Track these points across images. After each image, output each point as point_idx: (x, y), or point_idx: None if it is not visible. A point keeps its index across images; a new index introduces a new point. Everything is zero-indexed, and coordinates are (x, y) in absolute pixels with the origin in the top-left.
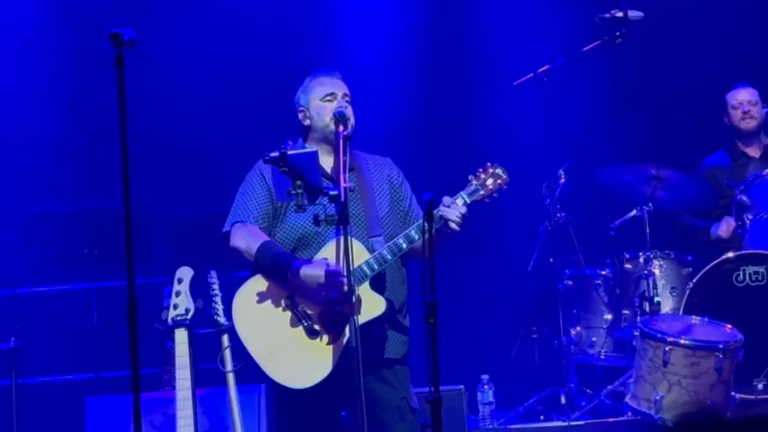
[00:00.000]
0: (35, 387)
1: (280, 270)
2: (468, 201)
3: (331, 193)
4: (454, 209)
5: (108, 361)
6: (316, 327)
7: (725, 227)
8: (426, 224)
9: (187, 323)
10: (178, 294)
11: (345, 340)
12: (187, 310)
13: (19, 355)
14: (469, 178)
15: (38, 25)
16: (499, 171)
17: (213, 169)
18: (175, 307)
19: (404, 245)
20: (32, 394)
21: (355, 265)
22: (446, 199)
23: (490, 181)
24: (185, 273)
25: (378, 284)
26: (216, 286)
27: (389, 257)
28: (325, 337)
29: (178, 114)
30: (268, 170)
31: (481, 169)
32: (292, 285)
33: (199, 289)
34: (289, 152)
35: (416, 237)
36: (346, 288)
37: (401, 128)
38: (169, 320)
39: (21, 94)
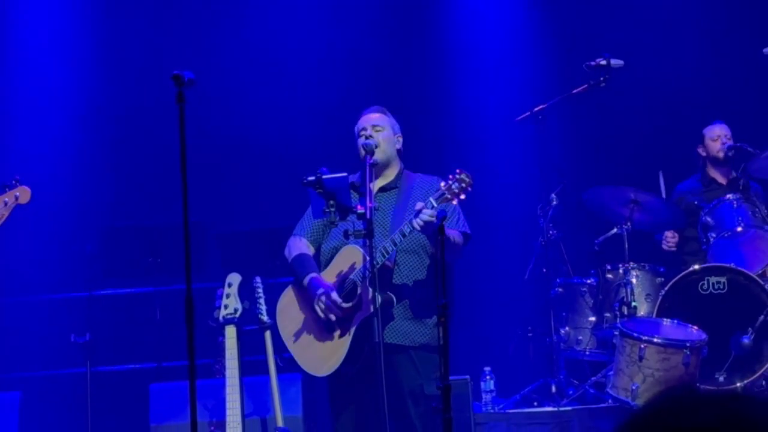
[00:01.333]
0: (107, 374)
1: (298, 279)
2: (435, 204)
3: (359, 211)
4: (423, 214)
5: (168, 353)
6: (334, 324)
7: (669, 239)
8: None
9: (236, 321)
10: (228, 296)
11: (352, 331)
12: (236, 310)
13: (94, 347)
14: (441, 183)
15: (108, 61)
16: (464, 176)
17: (257, 191)
18: (225, 307)
19: (397, 237)
20: (104, 380)
21: (357, 262)
22: (418, 204)
23: (455, 186)
24: (234, 278)
25: (396, 283)
26: (260, 290)
27: (391, 249)
28: (337, 332)
29: (228, 144)
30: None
31: (450, 176)
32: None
33: (246, 292)
34: (324, 177)
35: (407, 231)
36: (328, 306)
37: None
38: (220, 318)
39: (97, 129)
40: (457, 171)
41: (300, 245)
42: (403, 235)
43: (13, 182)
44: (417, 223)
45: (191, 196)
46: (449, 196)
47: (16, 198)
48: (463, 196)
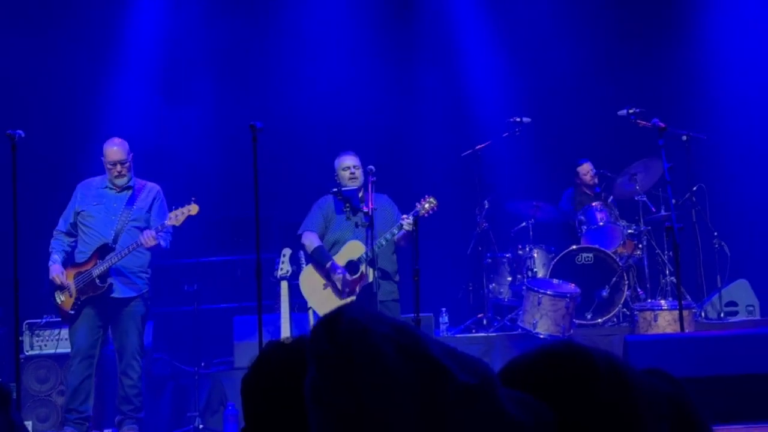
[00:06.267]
0: (208, 311)
1: (321, 263)
2: (412, 218)
3: (365, 210)
4: (406, 222)
5: (246, 297)
6: (338, 288)
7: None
8: (414, 228)
9: (287, 278)
10: (283, 262)
11: (356, 293)
12: (288, 271)
13: (200, 293)
14: (416, 204)
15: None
16: (431, 199)
17: (300, 197)
18: (281, 269)
19: (389, 236)
20: (207, 315)
21: (357, 255)
22: (404, 216)
23: (426, 206)
24: (286, 251)
25: (379, 262)
26: (303, 259)
27: (384, 242)
28: (344, 294)
29: (286, 168)
30: (324, 200)
31: (422, 199)
32: (331, 274)
33: (294, 260)
34: (343, 188)
35: (396, 232)
36: (344, 282)
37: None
38: (278, 276)
39: (210, 153)
40: (427, 196)
41: (314, 239)
42: (392, 235)
43: (192, 200)
44: (406, 228)
45: (261, 199)
46: (423, 213)
47: (189, 210)
48: (431, 213)
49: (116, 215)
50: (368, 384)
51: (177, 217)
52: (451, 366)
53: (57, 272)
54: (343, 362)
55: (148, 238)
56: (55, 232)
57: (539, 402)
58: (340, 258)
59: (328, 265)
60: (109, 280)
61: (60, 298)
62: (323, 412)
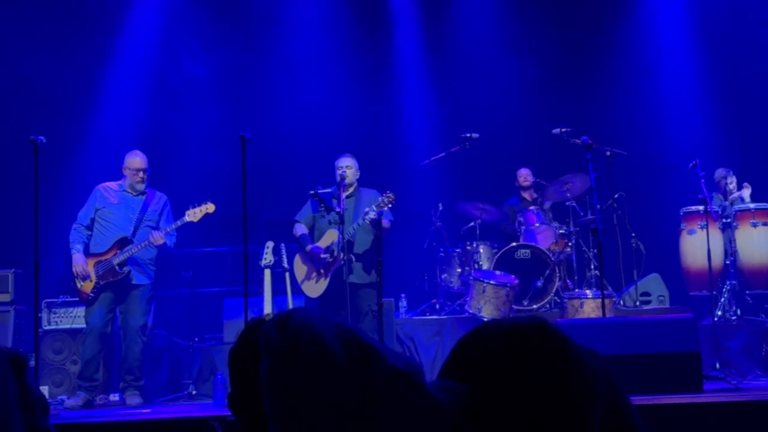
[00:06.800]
0: (202, 294)
1: (302, 246)
2: (375, 209)
3: (337, 210)
4: (370, 213)
5: (235, 282)
6: (322, 271)
7: None
8: (379, 224)
9: (270, 266)
10: (266, 253)
11: (330, 275)
12: (270, 261)
13: (195, 278)
14: (378, 198)
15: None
16: (391, 195)
17: (284, 197)
18: (265, 259)
19: (361, 221)
20: (201, 298)
21: (335, 239)
22: (368, 209)
23: (386, 200)
24: (270, 243)
25: (356, 252)
26: (284, 252)
27: (356, 227)
28: (323, 275)
29: (271, 173)
30: (310, 200)
31: (384, 194)
32: (307, 254)
33: (276, 251)
34: (319, 191)
35: (361, 222)
36: (322, 258)
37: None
38: (262, 265)
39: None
40: (387, 192)
41: (299, 228)
42: (359, 225)
43: (205, 201)
44: (368, 218)
45: (249, 199)
46: (383, 205)
47: (206, 209)
48: (390, 206)
49: (134, 214)
50: (313, 368)
51: (195, 214)
52: (384, 353)
53: (81, 261)
54: (291, 352)
55: (158, 238)
56: (75, 225)
57: (461, 386)
58: (323, 243)
59: (308, 248)
60: (127, 268)
61: (80, 283)
62: (275, 395)
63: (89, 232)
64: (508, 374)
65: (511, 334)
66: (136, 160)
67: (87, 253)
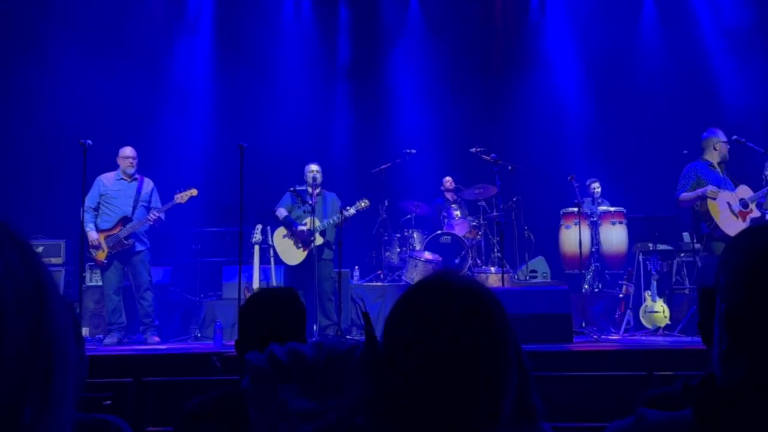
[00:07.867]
0: (206, 262)
1: (289, 227)
2: (353, 211)
3: (310, 202)
4: (349, 212)
5: (232, 254)
6: (299, 244)
7: None
8: (341, 221)
9: (259, 243)
10: (256, 233)
11: (308, 249)
12: (259, 239)
13: (202, 250)
14: (357, 201)
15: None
16: (366, 201)
17: (270, 193)
18: (255, 237)
19: (336, 218)
20: (205, 265)
21: (316, 225)
22: (347, 208)
23: (363, 204)
24: (259, 226)
25: (327, 239)
26: (269, 232)
27: (331, 222)
28: (301, 247)
29: (261, 174)
30: (288, 193)
31: (360, 199)
32: (293, 232)
33: (264, 232)
34: (297, 188)
35: (337, 220)
36: (305, 238)
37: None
38: (253, 242)
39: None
40: (363, 198)
41: (283, 212)
42: (338, 218)
43: (190, 187)
44: (348, 215)
45: (244, 191)
46: (360, 209)
47: (191, 193)
48: (365, 208)
49: (131, 197)
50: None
51: (182, 197)
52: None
53: (95, 236)
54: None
55: (153, 216)
56: (86, 208)
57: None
58: (305, 228)
59: (301, 229)
60: (131, 239)
61: (95, 252)
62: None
63: (96, 213)
64: (441, 314)
65: (450, 283)
66: (126, 150)
67: (97, 230)
